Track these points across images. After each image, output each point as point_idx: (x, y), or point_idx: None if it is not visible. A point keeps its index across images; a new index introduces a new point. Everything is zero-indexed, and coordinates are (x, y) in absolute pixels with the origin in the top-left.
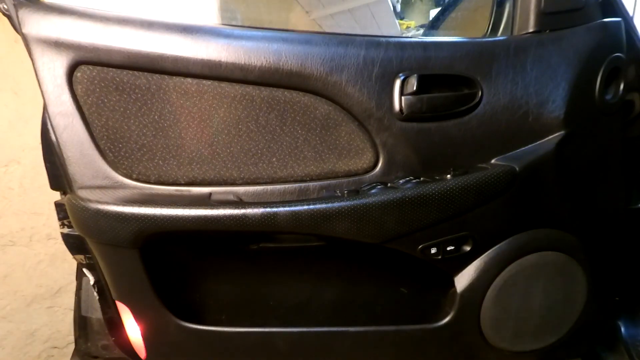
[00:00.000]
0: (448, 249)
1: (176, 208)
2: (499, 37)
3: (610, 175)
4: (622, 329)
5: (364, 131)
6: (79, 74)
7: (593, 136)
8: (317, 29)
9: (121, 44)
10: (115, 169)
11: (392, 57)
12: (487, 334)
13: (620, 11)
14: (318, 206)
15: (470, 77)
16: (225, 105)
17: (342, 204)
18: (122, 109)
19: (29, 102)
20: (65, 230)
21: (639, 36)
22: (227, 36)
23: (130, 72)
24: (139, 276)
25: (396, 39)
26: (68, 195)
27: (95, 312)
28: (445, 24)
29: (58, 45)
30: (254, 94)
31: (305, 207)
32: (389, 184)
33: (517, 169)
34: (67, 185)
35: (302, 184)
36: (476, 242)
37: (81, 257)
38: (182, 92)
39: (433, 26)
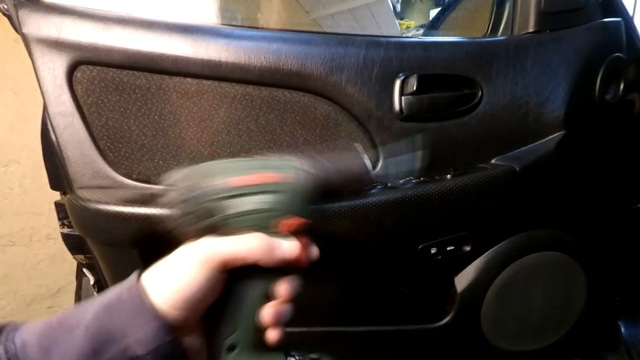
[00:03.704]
0: (448, 249)
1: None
2: (499, 37)
3: (610, 176)
4: (622, 329)
5: (364, 131)
6: (79, 74)
7: (593, 136)
8: (317, 29)
9: (121, 44)
10: (115, 169)
11: (392, 57)
12: (487, 334)
13: (620, 11)
14: (318, 206)
15: (470, 77)
16: (225, 105)
17: (342, 204)
18: (122, 109)
19: (29, 102)
20: (65, 230)
21: (639, 36)
22: (227, 36)
23: (130, 72)
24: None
25: (396, 39)
26: (68, 195)
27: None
28: (445, 24)
29: (58, 45)
30: (254, 94)
31: None
32: (389, 184)
33: (517, 169)
34: (67, 185)
35: None
36: (476, 242)
37: (81, 257)
38: (182, 92)
39: (433, 26)
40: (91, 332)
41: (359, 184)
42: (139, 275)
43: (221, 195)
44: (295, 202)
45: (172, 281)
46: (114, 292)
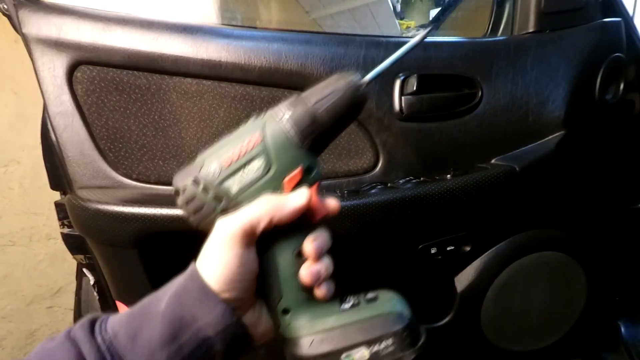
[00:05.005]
0: (448, 249)
1: (176, 208)
2: (499, 37)
3: (610, 176)
4: (622, 329)
5: (364, 131)
6: (79, 74)
7: (593, 136)
8: (317, 29)
9: (121, 44)
10: (115, 169)
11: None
12: (487, 334)
13: (620, 11)
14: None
15: (470, 77)
16: (225, 105)
17: (342, 204)
18: (122, 109)
19: (29, 102)
20: (65, 230)
21: (639, 36)
22: (227, 36)
23: (130, 72)
24: (139, 276)
25: (396, 39)
26: (68, 195)
27: (95, 312)
28: (445, 24)
29: (58, 45)
30: (254, 94)
31: None
32: (389, 184)
33: (517, 169)
34: (67, 185)
35: None
36: (476, 242)
37: (81, 257)
38: (182, 92)
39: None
40: (167, 320)
41: (352, 104)
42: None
43: (219, 180)
44: (285, 154)
45: (213, 267)
46: (178, 282)
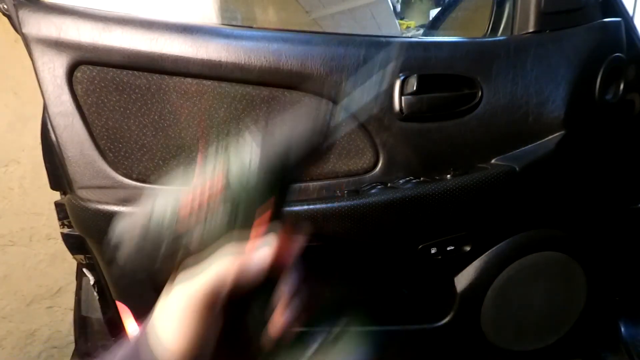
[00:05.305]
0: (448, 249)
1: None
2: (499, 37)
3: (610, 176)
4: (622, 329)
5: (364, 131)
6: (79, 74)
7: (593, 136)
8: (317, 29)
9: (121, 44)
10: (115, 169)
11: (392, 57)
12: (487, 334)
13: (620, 11)
14: (318, 206)
15: (470, 77)
16: (225, 105)
17: (342, 204)
18: (122, 109)
19: (29, 102)
20: (65, 230)
21: (639, 36)
22: (227, 36)
23: (130, 72)
24: (139, 276)
25: (396, 39)
26: (68, 195)
27: (95, 312)
28: (445, 24)
29: (58, 45)
30: (254, 94)
31: (305, 207)
32: (389, 184)
33: (517, 169)
34: (67, 185)
35: (302, 184)
36: (476, 242)
37: (81, 257)
38: (182, 92)
39: (433, 26)
40: None
41: (314, 141)
42: (144, 329)
43: (176, 235)
44: (251, 196)
45: (170, 337)
46: (130, 348)
